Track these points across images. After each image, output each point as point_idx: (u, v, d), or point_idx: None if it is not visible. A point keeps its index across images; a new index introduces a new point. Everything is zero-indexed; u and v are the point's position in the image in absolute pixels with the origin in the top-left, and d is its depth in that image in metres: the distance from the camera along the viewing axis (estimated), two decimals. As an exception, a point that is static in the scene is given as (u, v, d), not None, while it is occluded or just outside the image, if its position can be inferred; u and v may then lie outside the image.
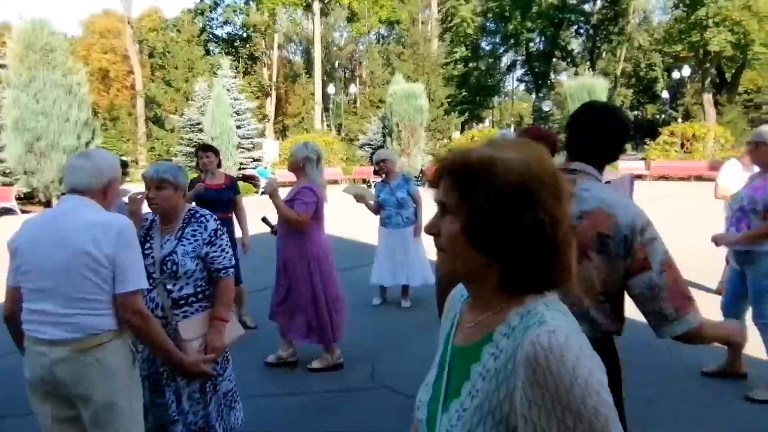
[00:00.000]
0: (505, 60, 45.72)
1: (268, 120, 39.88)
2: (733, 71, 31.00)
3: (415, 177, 22.15)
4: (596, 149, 1.72)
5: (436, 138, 26.92)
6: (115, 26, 38.80)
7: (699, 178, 19.32)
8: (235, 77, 25.18)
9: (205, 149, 4.93)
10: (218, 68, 24.32)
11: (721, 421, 3.08)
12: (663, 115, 37.95)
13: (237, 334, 2.41)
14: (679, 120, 29.47)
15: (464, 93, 35.97)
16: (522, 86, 49.29)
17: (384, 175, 5.35)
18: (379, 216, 5.43)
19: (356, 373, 3.80)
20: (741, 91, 30.88)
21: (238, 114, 22.30)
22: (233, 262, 2.39)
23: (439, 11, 36.11)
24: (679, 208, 11.68)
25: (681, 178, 20.18)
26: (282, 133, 42.49)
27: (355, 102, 39.76)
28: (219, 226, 2.35)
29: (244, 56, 38.63)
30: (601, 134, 1.72)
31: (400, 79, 23.30)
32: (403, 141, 21.74)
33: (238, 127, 21.63)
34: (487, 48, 44.02)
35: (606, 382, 0.76)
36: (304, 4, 37.44)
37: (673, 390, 3.42)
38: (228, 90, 22.09)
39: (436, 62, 29.13)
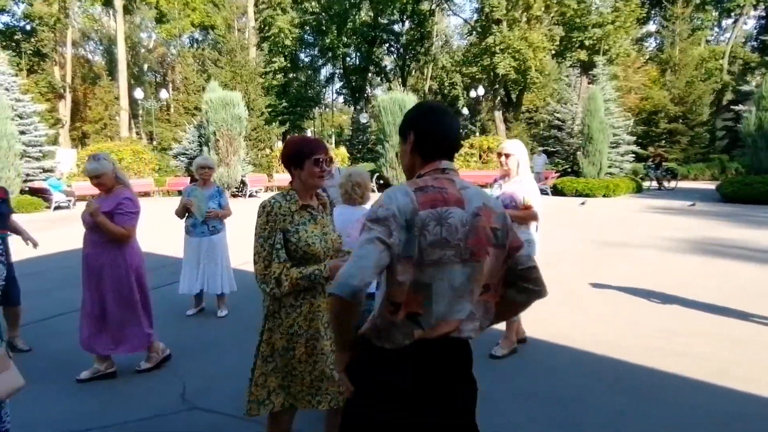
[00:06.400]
0: (324, 72, 46.87)
1: (63, 125, 35.23)
2: (517, 92, 35.91)
3: (236, 188, 21.52)
4: (454, 148, 1.75)
5: (258, 148, 26.44)
6: None
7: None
8: (17, 75, 21.75)
9: None
10: (-7, 64, 20.78)
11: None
12: (464, 130, 42.36)
13: (14, 385, 1.91)
14: (477, 134, 33.20)
15: (284, 103, 35.94)
16: (341, 99, 50.94)
17: (202, 182, 5.28)
18: (184, 224, 5.28)
19: (165, 396, 3.56)
20: (524, 109, 35.84)
21: (21, 118, 19.27)
22: None
23: (256, 20, 35.59)
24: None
25: (481, 185, 22.64)
26: (81, 140, 37.91)
27: (167, 109, 37.15)
28: None
29: (28, 52, 33.56)
30: (456, 131, 1.75)
31: (217, 86, 22.40)
32: (221, 151, 20.92)
33: (22, 132, 18.70)
34: (306, 60, 44.64)
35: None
36: (104, -1, 33.94)
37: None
38: (7, 90, 18.99)
39: (254, 71, 28.59)
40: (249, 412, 2.37)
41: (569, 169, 21.29)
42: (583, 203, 15.79)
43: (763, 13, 37.75)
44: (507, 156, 4.14)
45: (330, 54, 41.11)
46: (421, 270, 1.53)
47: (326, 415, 2.61)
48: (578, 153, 20.04)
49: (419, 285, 1.54)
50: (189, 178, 21.46)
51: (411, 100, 22.11)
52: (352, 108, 45.28)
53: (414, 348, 1.56)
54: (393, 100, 21.68)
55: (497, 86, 34.06)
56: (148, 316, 3.89)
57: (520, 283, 1.71)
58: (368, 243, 1.51)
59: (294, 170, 2.44)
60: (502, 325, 4.46)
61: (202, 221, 5.17)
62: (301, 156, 2.40)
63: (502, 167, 4.19)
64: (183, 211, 5.19)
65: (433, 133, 1.69)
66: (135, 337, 3.78)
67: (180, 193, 20.41)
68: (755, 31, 41.81)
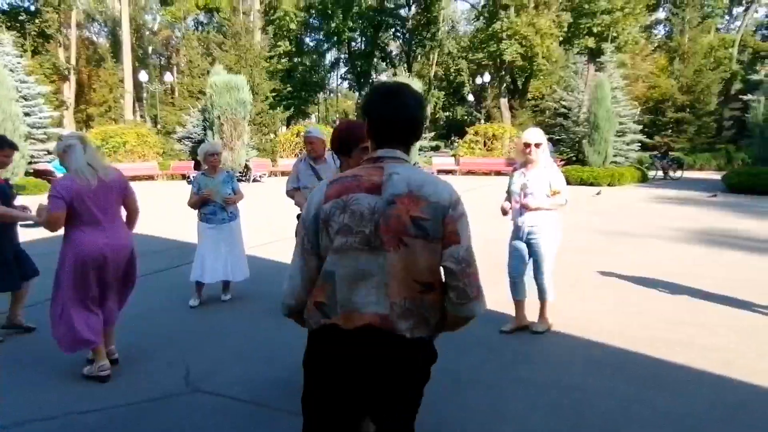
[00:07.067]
0: (329, 57, 46.54)
1: (67, 107, 35.19)
2: (524, 79, 35.62)
3: (239, 172, 21.50)
4: (403, 131, 1.65)
5: (262, 132, 26.36)
6: None
7: (498, 173, 21.89)
8: (21, 56, 21.66)
9: (13, 146, 4.39)
10: (-3, 44, 20.68)
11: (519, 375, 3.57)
12: (470, 117, 42.12)
13: None
14: (482, 121, 32.99)
15: (289, 88, 35.75)
16: (346, 84, 50.65)
17: (212, 169, 5.20)
18: (197, 211, 5.20)
19: (168, 378, 3.57)
20: (530, 97, 35.56)
21: (26, 99, 19.24)
22: None
23: (261, 3, 35.31)
24: (484, 200, 13.10)
25: (484, 173, 22.66)
26: (85, 122, 37.85)
27: (172, 92, 37.01)
28: None
29: (33, 33, 33.40)
30: (407, 114, 1.65)
31: (221, 70, 22.28)
32: (226, 135, 20.87)
33: (27, 114, 18.67)
34: (311, 44, 44.33)
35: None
36: (108, -20, 33.66)
37: (474, 356, 3.87)
38: (12, 71, 18.92)
39: (259, 55, 28.41)
40: None
41: (574, 158, 21.16)
42: (598, 193, 15.51)
43: (775, 2, 37.18)
44: (537, 145, 4.17)
45: (335, 38, 40.78)
46: (327, 259, 1.55)
47: None
48: (584, 141, 19.90)
49: (324, 273, 1.56)
50: (193, 162, 21.43)
51: (416, 85, 21.96)
52: (357, 93, 45.04)
53: (330, 333, 1.55)
54: (398, 86, 21.49)
55: (503, 73, 33.81)
56: (68, 318, 3.39)
57: (448, 290, 1.56)
58: (294, 260, 1.64)
59: (342, 157, 2.39)
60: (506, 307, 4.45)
61: (222, 207, 5.11)
62: (349, 144, 2.34)
63: (530, 156, 4.20)
64: (200, 203, 5.08)
65: (378, 120, 1.65)
66: (57, 335, 3.47)
67: (184, 177, 20.41)
68: (766, 19, 41.25)
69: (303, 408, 1.67)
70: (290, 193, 4.73)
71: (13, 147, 4.35)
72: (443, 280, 1.57)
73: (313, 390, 1.62)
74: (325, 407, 1.60)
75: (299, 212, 4.59)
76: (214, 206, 5.11)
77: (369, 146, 2.35)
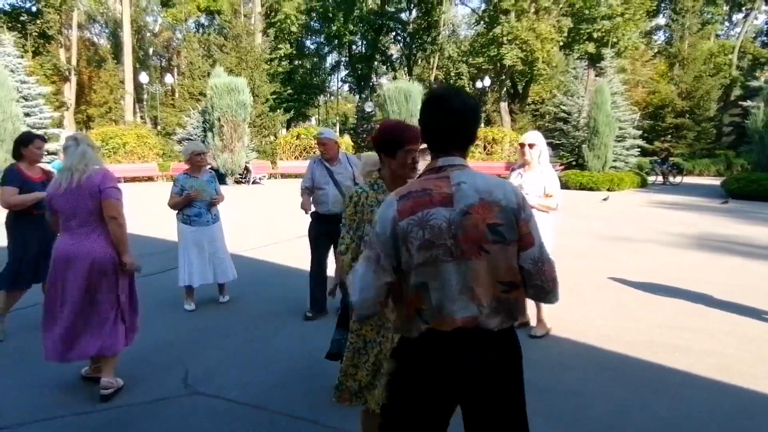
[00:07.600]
0: (330, 60, 46.58)
1: (68, 108, 35.17)
2: (524, 84, 35.63)
3: (239, 174, 21.50)
4: (460, 137, 1.67)
5: (262, 135, 26.35)
6: None
7: (498, 177, 21.87)
8: (22, 57, 21.66)
9: (41, 138, 4.49)
10: (-2, 45, 20.70)
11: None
12: (470, 120, 42.02)
13: None
14: (482, 125, 33.00)
15: (289, 90, 35.76)
16: (346, 87, 50.67)
17: (197, 168, 5.13)
18: (178, 213, 5.10)
19: (167, 381, 3.57)
20: (530, 101, 35.55)
21: (26, 99, 19.25)
22: None
23: (262, 5, 35.34)
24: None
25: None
26: (85, 123, 37.84)
27: (172, 93, 37.01)
28: None
29: (34, 33, 33.43)
30: (462, 119, 1.66)
31: (222, 72, 22.29)
32: (225, 136, 20.88)
33: (27, 114, 18.68)
34: (312, 47, 44.36)
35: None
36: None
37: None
38: (12, 71, 18.93)
39: (259, 57, 28.42)
40: (338, 398, 2.39)
41: (574, 162, 21.18)
42: (605, 199, 15.33)
43: (775, 8, 37.31)
44: (531, 146, 4.26)
45: (336, 41, 40.82)
46: (416, 272, 1.60)
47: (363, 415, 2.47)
48: (583, 146, 19.92)
49: (417, 285, 1.61)
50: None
51: (416, 89, 21.98)
52: (357, 96, 45.06)
53: (431, 337, 1.62)
54: (398, 90, 21.55)
55: (503, 77, 33.83)
56: (45, 325, 3.28)
57: (527, 288, 1.67)
58: (365, 273, 1.62)
59: (384, 157, 2.30)
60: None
61: (207, 209, 5.07)
62: (395, 144, 2.24)
63: (524, 157, 4.28)
64: (183, 204, 4.99)
65: (432, 126, 1.66)
66: None
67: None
68: (766, 26, 41.38)
69: (393, 410, 1.71)
70: (303, 192, 4.81)
71: (42, 138, 4.36)
72: (522, 277, 1.65)
73: (411, 393, 1.66)
74: (422, 408, 1.65)
75: (313, 210, 4.64)
76: (199, 208, 5.03)
77: (414, 149, 2.27)
